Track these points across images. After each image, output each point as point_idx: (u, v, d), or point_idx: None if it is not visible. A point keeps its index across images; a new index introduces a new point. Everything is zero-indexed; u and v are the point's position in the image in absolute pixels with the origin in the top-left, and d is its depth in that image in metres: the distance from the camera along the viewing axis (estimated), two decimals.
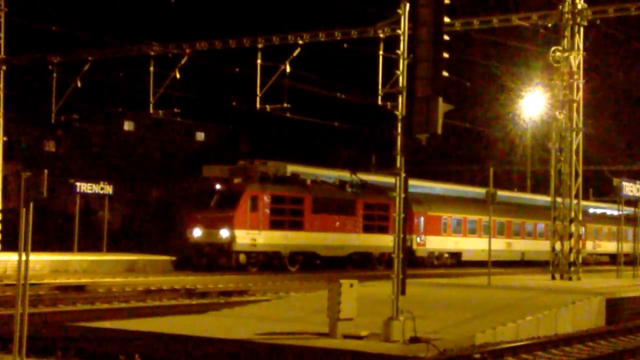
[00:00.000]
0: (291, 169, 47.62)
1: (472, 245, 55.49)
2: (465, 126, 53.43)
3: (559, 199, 31.12)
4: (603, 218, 72.12)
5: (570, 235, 30.68)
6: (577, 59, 30.57)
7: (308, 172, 48.86)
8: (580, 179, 30.90)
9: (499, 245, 56.15)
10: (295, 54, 36.93)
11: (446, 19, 15.47)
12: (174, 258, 43.47)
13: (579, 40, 30.65)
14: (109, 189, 44.80)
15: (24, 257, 12.58)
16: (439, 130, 15.17)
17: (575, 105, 30.49)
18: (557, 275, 30.70)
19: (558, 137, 30.83)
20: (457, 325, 17.16)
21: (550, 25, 31.26)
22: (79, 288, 29.04)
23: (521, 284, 27.97)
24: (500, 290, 24.51)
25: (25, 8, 48.98)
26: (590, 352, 16.78)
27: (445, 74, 15.28)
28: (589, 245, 65.11)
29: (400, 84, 15.74)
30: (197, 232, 42.07)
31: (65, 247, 45.19)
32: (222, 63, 41.41)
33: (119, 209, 60.44)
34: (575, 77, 30.45)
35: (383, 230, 47.99)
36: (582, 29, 30.73)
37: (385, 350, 14.22)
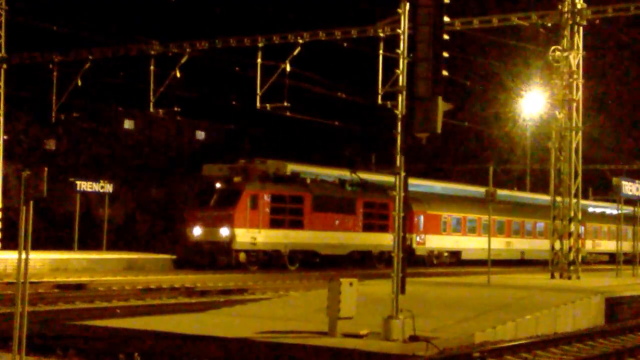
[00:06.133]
0: (291, 167, 47.64)
1: (472, 244, 55.52)
2: (464, 125, 53.45)
3: (558, 198, 31.16)
4: (602, 217, 72.15)
5: (570, 234, 30.73)
6: (576, 58, 30.60)
7: (308, 171, 48.87)
8: (579, 178, 30.94)
9: (499, 244, 56.18)
10: (295, 53, 36.94)
11: (446, 19, 15.49)
12: (174, 257, 43.50)
13: (579, 40, 30.69)
14: (109, 188, 44.81)
15: (24, 256, 12.60)
16: (439, 130, 15.19)
17: (574, 104, 30.53)
18: (557, 274, 30.74)
19: (558, 136, 30.87)
20: (456, 324, 17.19)
21: (549, 24, 31.31)
22: (79, 286, 29.08)
23: (521, 283, 28.00)
24: (500, 289, 24.54)
25: (25, 7, 48.96)
26: (589, 351, 16.81)
27: (445, 73, 15.31)
28: (589, 244, 65.11)
29: (400, 83, 15.76)
30: (197, 231, 42.09)
31: (66, 246, 45.22)
32: (223, 62, 41.45)
33: (119, 208, 60.40)
34: (575, 76, 30.49)
35: (383, 229, 48.02)
36: (581, 29, 30.77)
37: (384, 349, 14.24)
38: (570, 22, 30.58)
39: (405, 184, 16.05)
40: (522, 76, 45.95)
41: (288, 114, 38.15)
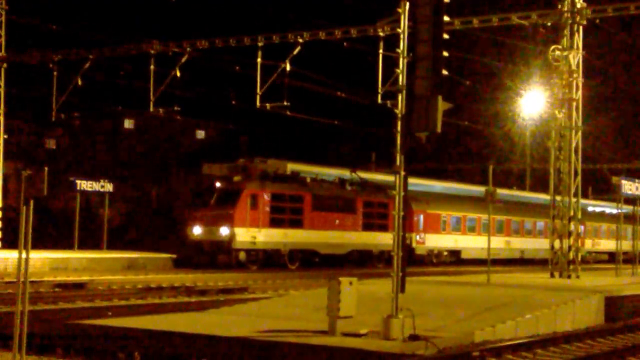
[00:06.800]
0: (291, 167, 47.66)
1: (472, 243, 55.54)
2: (464, 124, 53.44)
3: (558, 197, 31.18)
4: (602, 216, 72.17)
5: (570, 234, 30.74)
6: (576, 57, 30.62)
7: (308, 170, 48.90)
8: (579, 178, 30.96)
9: (498, 243, 56.20)
10: (295, 52, 36.95)
11: (446, 18, 15.50)
12: (174, 256, 43.51)
13: (578, 39, 30.70)
14: (109, 187, 44.80)
15: (24, 255, 12.61)
16: (439, 129, 15.20)
17: (574, 103, 30.55)
18: (556, 274, 30.75)
19: (557, 135, 30.89)
20: (456, 323, 17.20)
21: (549, 24, 31.32)
22: (79, 285, 29.09)
23: (520, 282, 28.00)
24: (500, 288, 24.55)
25: (26, 6, 48.99)
26: (589, 350, 16.82)
27: (444, 72, 15.32)
28: (588, 244, 65.13)
29: (400, 83, 15.78)
30: (197, 230, 42.11)
31: (66, 245, 45.23)
32: (223, 61, 41.44)
33: (119, 207, 60.45)
34: (575, 75, 30.52)
35: (383, 228, 48.04)
36: (581, 28, 30.79)
37: (384, 348, 14.25)
38: (570, 21, 30.60)
39: (405, 184, 16.06)
40: (521, 75, 45.92)
41: (288, 113, 38.16)
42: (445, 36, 15.45)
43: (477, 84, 48.48)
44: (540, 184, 65.07)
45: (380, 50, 34.96)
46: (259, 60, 37.44)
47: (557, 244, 31.04)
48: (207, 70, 49.85)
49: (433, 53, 15.17)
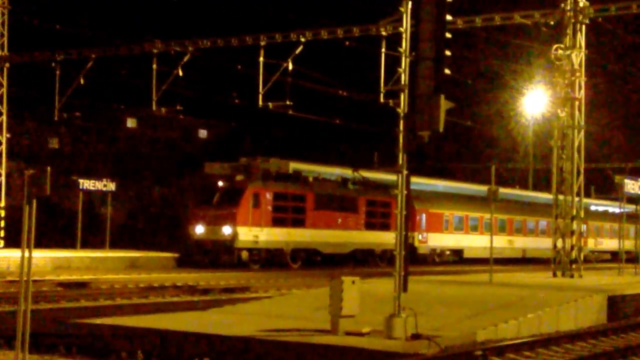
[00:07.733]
0: (293, 166, 47.67)
1: (474, 243, 55.51)
2: (467, 124, 53.45)
3: (560, 197, 31.17)
4: (604, 215, 72.12)
5: (572, 233, 30.74)
6: (578, 56, 30.61)
7: (310, 169, 48.91)
8: (581, 177, 30.97)
9: (501, 242, 56.12)
10: (297, 51, 36.96)
11: (448, 17, 15.50)
12: (176, 255, 43.54)
13: (581, 38, 30.70)
14: (111, 186, 44.82)
15: (27, 254, 12.62)
16: (441, 128, 15.20)
17: (577, 102, 30.54)
18: (559, 273, 30.75)
19: (560, 134, 30.89)
20: (458, 322, 17.20)
21: (552, 23, 31.33)
22: (82, 285, 29.11)
23: (523, 281, 27.99)
24: (502, 288, 24.54)
25: (28, 6, 49.03)
26: (591, 350, 16.81)
27: (447, 71, 15.31)
28: (591, 243, 65.09)
29: (403, 82, 15.77)
30: (199, 229, 42.13)
31: (68, 244, 45.25)
32: (225, 61, 41.47)
33: (121, 206, 60.43)
34: (577, 74, 30.51)
35: (385, 227, 48.05)
36: (584, 27, 30.79)
37: (387, 347, 14.25)
38: (573, 20, 30.60)
39: (408, 183, 16.05)
40: (524, 75, 45.95)
41: (290, 112, 38.17)
42: (448, 35, 15.45)
43: (480, 83, 48.50)
44: (543, 183, 65.13)
45: (383, 49, 34.97)
46: (261, 59, 37.45)
47: (559, 243, 31.04)
48: (209, 69, 49.98)
49: (435, 52, 15.17)
